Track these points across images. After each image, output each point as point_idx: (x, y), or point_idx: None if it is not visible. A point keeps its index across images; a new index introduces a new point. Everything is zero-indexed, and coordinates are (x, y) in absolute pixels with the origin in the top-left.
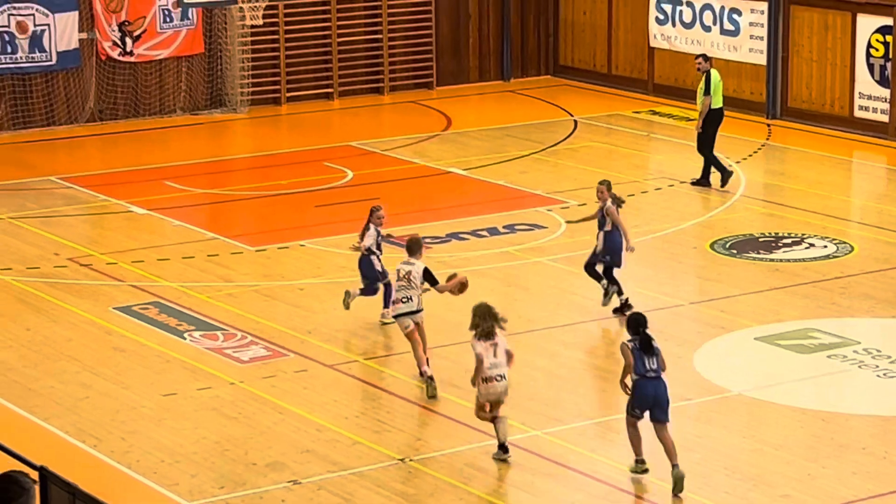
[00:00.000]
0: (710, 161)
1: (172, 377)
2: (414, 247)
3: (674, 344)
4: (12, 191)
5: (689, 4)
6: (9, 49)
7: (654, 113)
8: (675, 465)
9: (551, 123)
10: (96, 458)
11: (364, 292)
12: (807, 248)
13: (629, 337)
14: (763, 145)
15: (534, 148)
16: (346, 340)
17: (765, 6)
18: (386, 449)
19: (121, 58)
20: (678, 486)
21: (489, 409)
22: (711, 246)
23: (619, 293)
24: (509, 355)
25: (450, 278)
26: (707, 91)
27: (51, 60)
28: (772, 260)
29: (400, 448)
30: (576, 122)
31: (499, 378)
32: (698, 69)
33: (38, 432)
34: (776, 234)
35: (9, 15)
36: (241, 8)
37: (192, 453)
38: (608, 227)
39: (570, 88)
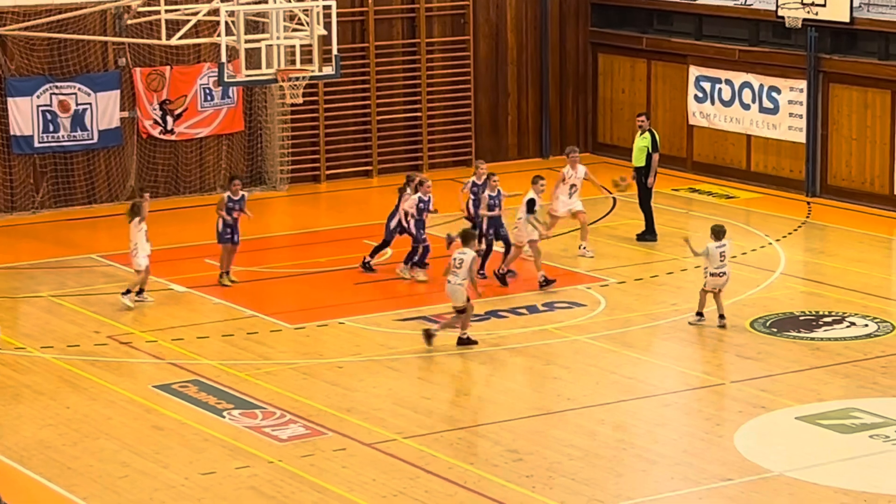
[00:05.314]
0: (651, 215)
1: (211, 456)
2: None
3: (714, 423)
4: (53, 268)
5: (728, 82)
6: (51, 128)
7: (693, 191)
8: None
9: (590, 201)
10: None
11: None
12: (847, 326)
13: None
14: (803, 223)
15: (573, 225)
16: (385, 419)
17: (804, 84)
18: None
19: (161, 136)
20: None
21: None
22: (751, 324)
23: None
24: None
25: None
26: (655, 148)
27: (92, 139)
28: (812, 339)
29: None
30: (614, 199)
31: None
32: (640, 126)
33: None
34: (817, 312)
35: (51, 94)
36: (281, 87)
37: None
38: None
39: (609, 166)
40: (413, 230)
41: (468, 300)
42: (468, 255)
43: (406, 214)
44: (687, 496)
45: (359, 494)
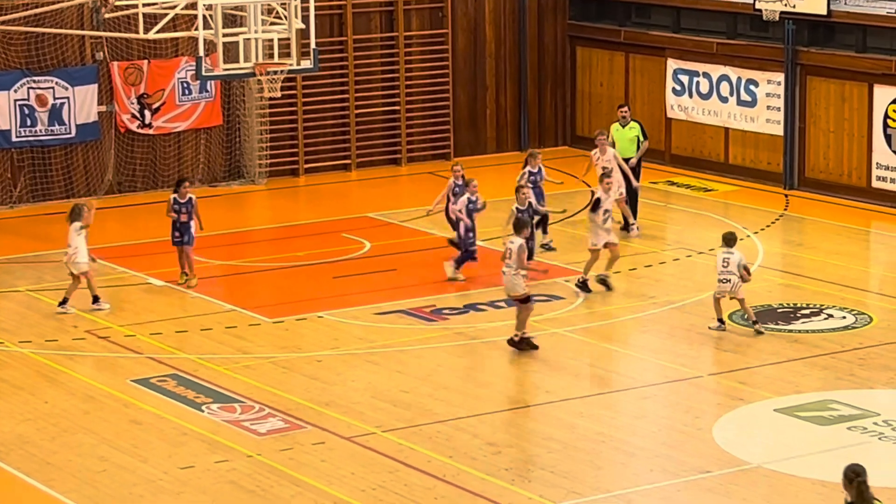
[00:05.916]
0: (634, 210)
1: (190, 450)
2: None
3: (692, 416)
4: (31, 263)
5: (706, 75)
6: (28, 122)
7: (672, 183)
8: None
9: (569, 194)
10: None
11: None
12: (825, 318)
13: None
14: (781, 216)
15: (552, 218)
16: (364, 412)
17: (781, 77)
18: None
19: (139, 130)
20: None
21: None
22: (730, 317)
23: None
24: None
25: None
26: (645, 136)
27: (70, 133)
28: (790, 331)
29: None
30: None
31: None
32: (623, 117)
33: None
34: (794, 304)
35: (28, 88)
36: (259, 80)
37: None
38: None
39: (587, 159)
40: (461, 232)
41: (528, 299)
42: (515, 243)
43: (456, 216)
44: (666, 488)
45: (338, 488)
